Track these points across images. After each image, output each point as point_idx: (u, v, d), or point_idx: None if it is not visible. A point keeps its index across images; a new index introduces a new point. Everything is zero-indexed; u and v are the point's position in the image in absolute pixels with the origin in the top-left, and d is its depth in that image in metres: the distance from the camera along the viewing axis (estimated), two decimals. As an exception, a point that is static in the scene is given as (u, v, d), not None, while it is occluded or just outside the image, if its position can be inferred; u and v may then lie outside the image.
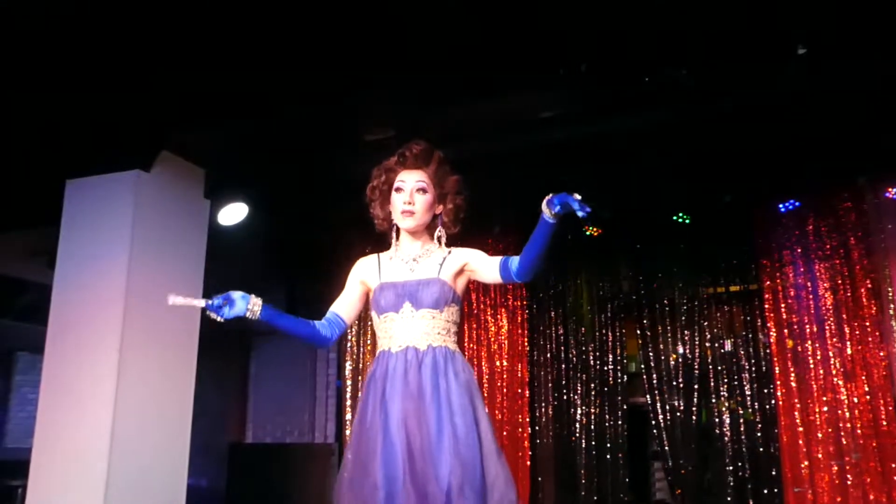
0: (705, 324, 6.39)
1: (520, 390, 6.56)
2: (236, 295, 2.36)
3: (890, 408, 5.26)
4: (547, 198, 2.16)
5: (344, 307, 2.63)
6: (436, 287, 2.46)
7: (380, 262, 2.60)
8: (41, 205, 4.94)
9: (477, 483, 2.26)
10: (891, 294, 5.36)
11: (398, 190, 2.55)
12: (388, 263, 2.58)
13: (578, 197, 2.09)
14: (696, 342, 6.39)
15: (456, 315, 2.52)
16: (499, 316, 6.69)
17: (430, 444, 2.30)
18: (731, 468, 6.04)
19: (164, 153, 4.62)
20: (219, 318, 2.36)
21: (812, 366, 5.57)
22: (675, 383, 6.36)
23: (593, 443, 6.49)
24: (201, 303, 2.34)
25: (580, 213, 2.08)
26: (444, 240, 2.60)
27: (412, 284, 2.48)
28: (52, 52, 3.84)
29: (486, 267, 2.52)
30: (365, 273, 2.62)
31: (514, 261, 2.40)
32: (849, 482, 5.29)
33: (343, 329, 2.63)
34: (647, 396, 6.41)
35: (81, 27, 3.64)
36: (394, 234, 2.60)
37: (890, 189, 5.45)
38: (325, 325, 2.58)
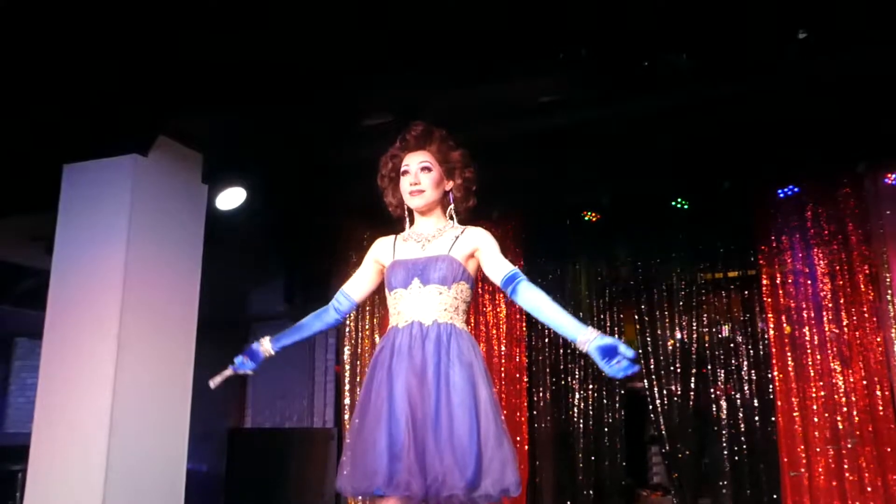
0: (703, 309, 6.38)
1: (518, 375, 6.57)
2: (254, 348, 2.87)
3: (886, 393, 5.27)
4: (605, 345, 2.27)
5: (354, 285, 2.78)
6: (444, 263, 2.50)
7: (395, 242, 2.67)
8: (38, 190, 4.93)
9: (470, 466, 2.27)
10: (888, 280, 5.37)
11: (404, 173, 2.61)
12: (403, 244, 2.64)
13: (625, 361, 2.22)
14: (694, 327, 6.39)
15: (465, 293, 2.55)
16: (497, 301, 6.69)
17: (431, 419, 2.34)
18: (727, 452, 6.06)
19: (162, 138, 4.60)
20: (249, 372, 2.93)
21: (809, 351, 5.58)
22: (672, 368, 6.38)
23: (591, 427, 6.51)
24: (229, 370, 2.89)
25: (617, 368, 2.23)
26: (455, 218, 2.65)
27: (422, 261, 2.53)
28: (48, 37, 3.82)
29: (491, 266, 2.56)
30: (379, 252, 2.70)
31: (520, 292, 2.48)
32: (845, 466, 5.31)
33: (351, 306, 2.80)
34: (645, 381, 6.43)
35: (78, 11, 3.62)
36: (407, 217, 2.67)
37: (889, 175, 5.45)
38: (331, 310, 2.79)
